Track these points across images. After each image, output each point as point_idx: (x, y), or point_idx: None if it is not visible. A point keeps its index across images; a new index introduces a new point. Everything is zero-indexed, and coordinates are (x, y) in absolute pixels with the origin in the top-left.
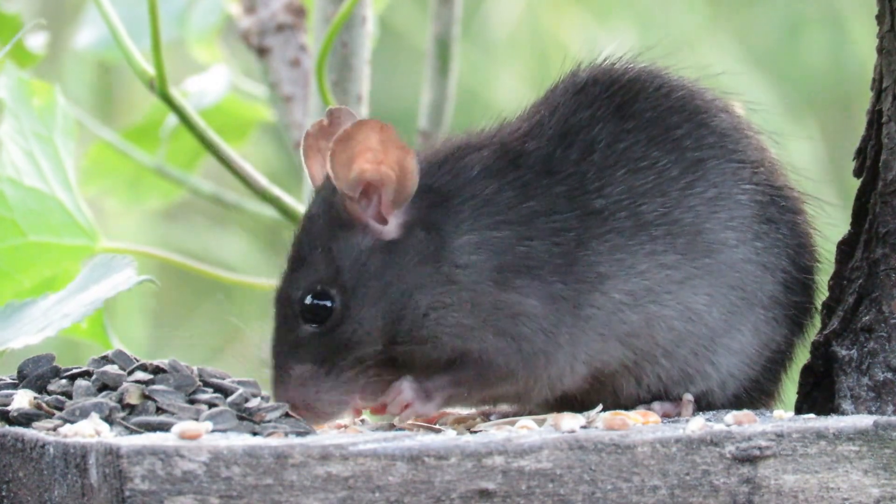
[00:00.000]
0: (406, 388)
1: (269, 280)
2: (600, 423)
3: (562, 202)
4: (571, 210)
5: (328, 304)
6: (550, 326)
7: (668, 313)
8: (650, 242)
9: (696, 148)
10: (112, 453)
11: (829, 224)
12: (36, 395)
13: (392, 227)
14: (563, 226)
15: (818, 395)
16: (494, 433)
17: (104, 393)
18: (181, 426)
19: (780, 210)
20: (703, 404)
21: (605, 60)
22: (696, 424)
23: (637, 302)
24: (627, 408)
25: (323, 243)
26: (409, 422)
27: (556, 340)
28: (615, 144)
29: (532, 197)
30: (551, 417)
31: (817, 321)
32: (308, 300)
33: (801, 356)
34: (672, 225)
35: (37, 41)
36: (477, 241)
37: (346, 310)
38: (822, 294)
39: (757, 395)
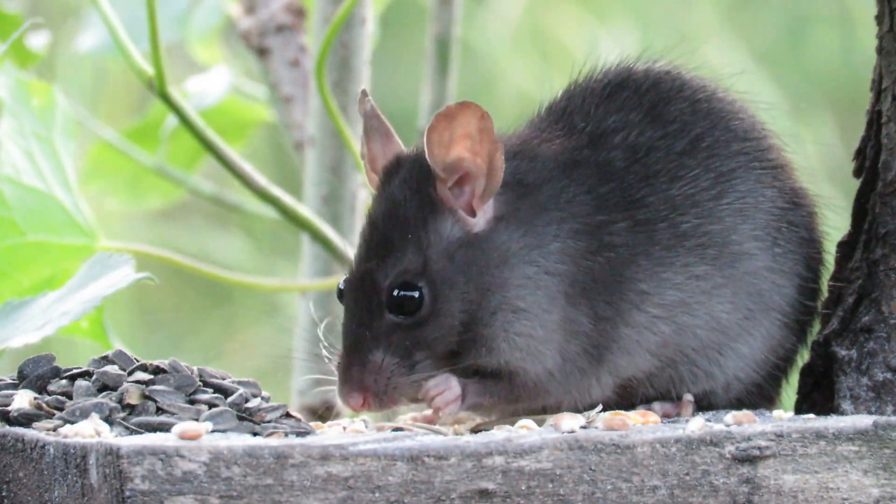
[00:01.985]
0: (455, 386)
1: (268, 280)
2: (600, 423)
3: (618, 212)
4: (624, 220)
5: (415, 295)
6: (591, 347)
7: (696, 322)
8: (685, 254)
9: (725, 156)
10: (112, 453)
11: (828, 224)
12: (36, 395)
13: (480, 221)
14: (619, 240)
15: (818, 395)
16: (494, 433)
17: (104, 393)
18: (181, 426)
19: (799, 214)
20: (705, 405)
21: (622, 62)
22: (696, 424)
23: (670, 314)
24: (635, 407)
25: (412, 230)
26: (409, 421)
27: (592, 359)
28: (653, 153)
29: (599, 206)
30: (551, 417)
31: (816, 325)
32: (396, 291)
33: (801, 361)
34: (703, 236)
35: (38, 41)
36: (563, 248)
37: (434, 304)
38: (822, 295)
39: (759, 400)
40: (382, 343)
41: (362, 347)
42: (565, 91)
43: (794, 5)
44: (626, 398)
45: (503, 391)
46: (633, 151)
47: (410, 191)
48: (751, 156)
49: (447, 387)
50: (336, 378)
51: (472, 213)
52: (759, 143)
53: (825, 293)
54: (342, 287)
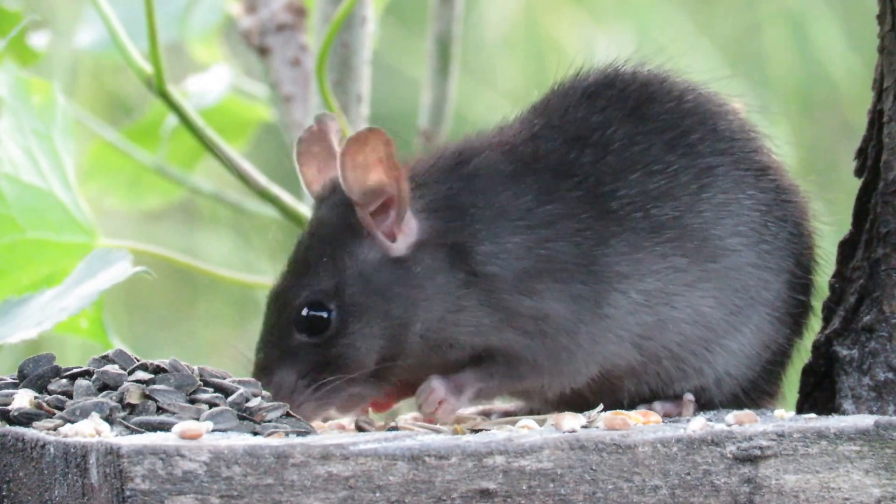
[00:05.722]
0: (438, 386)
1: (268, 279)
2: (601, 422)
3: (579, 204)
4: (589, 211)
5: (324, 315)
6: (572, 326)
7: (679, 316)
8: (662, 244)
9: (708, 154)
10: (112, 453)
11: (820, 220)
12: (36, 394)
13: (401, 245)
14: (583, 226)
15: (819, 394)
16: (495, 433)
17: (105, 392)
18: (182, 426)
19: (786, 211)
20: (701, 402)
21: (610, 64)
22: (697, 424)
23: (651, 303)
24: (625, 406)
25: (329, 252)
26: (410, 422)
27: (576, 339)
28: (630, 147)
29: (551, 200)
30: (552, 417)
31: (814, 322)
32: (305, 311)
33: (799, 357)
34: (682, 229)
35: (39, 39)
36: (495, 250)
37: (343, 327)
38: (821, 294)
39: (756, 395)
40: (288, 362)
41: (269, 366)
42: (547, 94)
43: (751, 7)
44: (611, 394)
45: (498, 369)
46: (607, 146)
47: (336, 214)
48: (736, 156)
49: (430, 391)
50: None
51: (393, 238)
52: (745, 144)
53: (820, 287)
54: None
